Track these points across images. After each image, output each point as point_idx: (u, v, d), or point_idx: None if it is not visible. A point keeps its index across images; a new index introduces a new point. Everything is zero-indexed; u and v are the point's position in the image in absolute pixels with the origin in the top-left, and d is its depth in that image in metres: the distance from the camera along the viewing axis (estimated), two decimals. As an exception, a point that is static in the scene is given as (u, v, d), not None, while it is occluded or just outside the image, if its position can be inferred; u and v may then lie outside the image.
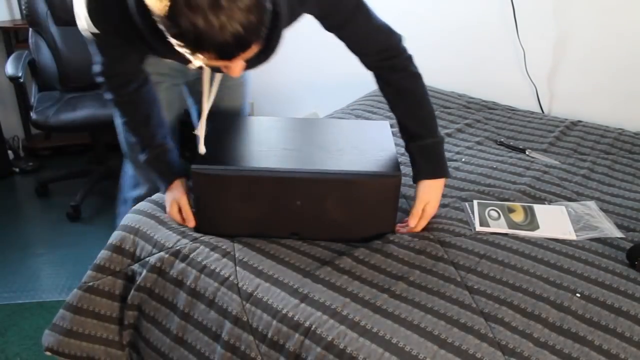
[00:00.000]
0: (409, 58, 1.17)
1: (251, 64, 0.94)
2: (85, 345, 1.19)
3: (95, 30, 1.01)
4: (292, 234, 1.15)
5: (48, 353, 1.21)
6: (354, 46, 1.14)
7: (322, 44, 2.52)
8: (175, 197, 1.18)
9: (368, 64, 1.18)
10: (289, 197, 1.10)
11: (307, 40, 2.52)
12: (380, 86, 1.21)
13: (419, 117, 1.19)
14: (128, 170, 1.57)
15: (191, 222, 1.17)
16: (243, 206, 1.12)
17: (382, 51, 1.14)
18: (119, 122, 1.35)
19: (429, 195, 1.17)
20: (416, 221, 1.16)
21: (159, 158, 1.21)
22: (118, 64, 1.12)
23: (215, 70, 1.02)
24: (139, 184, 1.53)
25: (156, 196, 1.30)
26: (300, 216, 1.12)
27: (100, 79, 1.15)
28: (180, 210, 1.19)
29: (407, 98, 1.18)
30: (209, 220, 1.15)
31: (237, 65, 0.87)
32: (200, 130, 1.15)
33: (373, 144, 1.20)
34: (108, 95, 1.17)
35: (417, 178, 1.19)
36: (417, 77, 1.17)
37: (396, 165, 1.12)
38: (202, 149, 1.14)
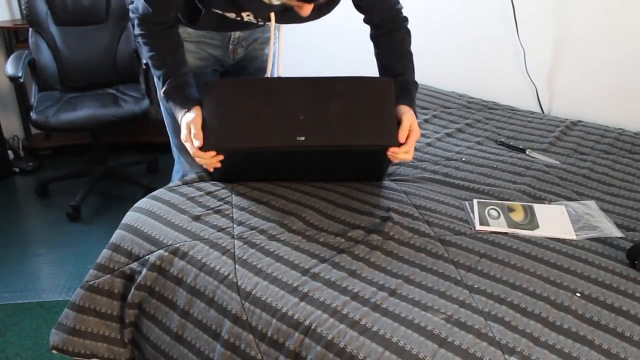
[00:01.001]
0: (406, 18, 1.36)
1: (319, 11, 1.18)
2: (88, 343, 1.20)
3: None
4: (299, 139, 1.17)
5: (54, 351, 1.22)
6: (370, 8, 1.32)
7: (321, 44, 2.52)
8: (189, 120, 1.19)
9: (370, 21, 1.35)
10: (294, 100, 1.17)
11: (307, 40, 2.52)
12: (374, 33, 1.36)
13: (404, 62, 1.34)
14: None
15: (198, 141, 1.17)
16: (250, 114, 1.16)
17: (388, 14, 1.33)
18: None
19: (412, 116, 1.21)
20: (405, 134, 1.18)
21: (180, 88, 1.25)
22: (160, 14, 1.25)
23: (282, 18, 1.25)
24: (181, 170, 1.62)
25: (158, 192, 1.31)
26: (305, 127, 1.16)
27: (135, 16, 1.27)
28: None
29: (397, 45, 1.35)
30: (217, 132, 1.17)
31: (309, 7, 1.09)
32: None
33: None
34: (138, 31, 1.28)
35: (397, 102, 1.26)
36: (408, 33, 1.36)
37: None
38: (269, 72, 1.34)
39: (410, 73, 1.32)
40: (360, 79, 1.20)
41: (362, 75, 1.20)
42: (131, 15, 1.29)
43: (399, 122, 1.19)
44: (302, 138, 1.16)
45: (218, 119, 1.18)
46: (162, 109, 1.52)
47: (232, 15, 1.27)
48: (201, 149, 1.17)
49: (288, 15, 1.24)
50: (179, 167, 1.60)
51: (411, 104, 1.26)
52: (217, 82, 1.19)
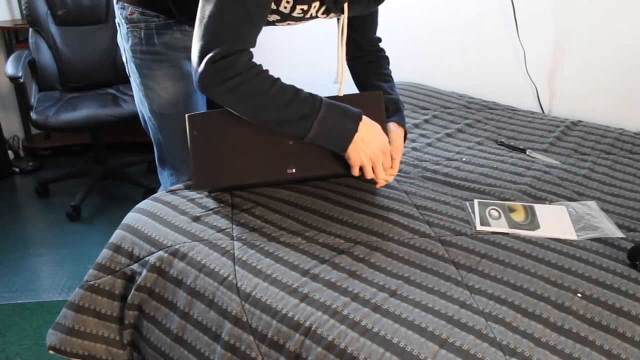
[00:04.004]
0: (383, 49, 1.46)
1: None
2: (87, 344, 1.19)
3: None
4: (290, 171, 1.19)
5: (51, 352, 1.21)
6: (366, 26, 1.39)
7: (320, 45, 2.52)
8: (381, 143, 1.16)
9: (360, 47, 1.42)
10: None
11: (305, 40, 2.52)
12: (360, 61, 1.43)
13: (390, 84, 1.41)
14: (163, 171, 1.61)
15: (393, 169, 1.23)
16: (238, 148, 1.17)
17: (374, 39, 1.43)
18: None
19: (401, 137, 1.29)
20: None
21: (332, 104, 1.12)
22: (251, 39, 1.07)
23: (351, 8, 1.20)
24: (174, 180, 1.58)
25: (159, 194, 1.30)
26: (295, 155, 1.18)
27: (224, 61, 1.03)
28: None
29: (383, 69, 1.44)
30: (205, 172, 1.19)
31: None
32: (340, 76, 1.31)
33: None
34: (237, 80, 1.04)
35: (389, 120, 1.31)
36: (389, 60, 1.47)
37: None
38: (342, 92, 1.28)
39: (396, 93, 1.37)
40: (349, 97, 1.20)
41: (350, 94, 1.21)
42: (218, 64, 1.03)
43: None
44: (293, 170, 1.19)
45: (205, 158, 1.19)
46: (150, 124, 1.47)
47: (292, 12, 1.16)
48: (190, 188, 1.19)
49: (355, 6, 1.21)
50: (175, 179, 1.54)
51: (403, 123, 1.32)
52: (200, 115, 1.18)
